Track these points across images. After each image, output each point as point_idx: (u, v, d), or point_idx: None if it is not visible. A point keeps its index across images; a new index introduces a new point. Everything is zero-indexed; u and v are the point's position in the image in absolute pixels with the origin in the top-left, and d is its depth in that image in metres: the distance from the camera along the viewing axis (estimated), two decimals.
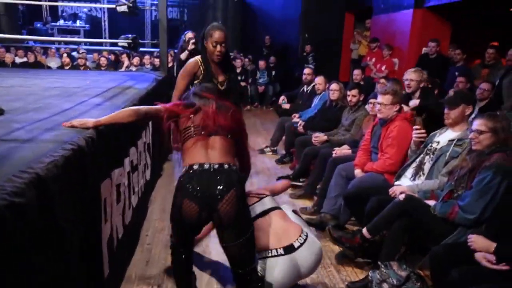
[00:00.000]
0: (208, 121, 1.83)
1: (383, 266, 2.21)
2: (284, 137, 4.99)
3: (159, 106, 1.88)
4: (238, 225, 1.78)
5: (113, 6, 4.34)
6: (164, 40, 4.65)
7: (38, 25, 11.79)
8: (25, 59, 7.79)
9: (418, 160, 2.70)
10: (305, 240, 1.95)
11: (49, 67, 7.70)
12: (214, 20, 11.54)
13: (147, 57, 7.21)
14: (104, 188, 1.93)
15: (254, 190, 2.19)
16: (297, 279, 1.99)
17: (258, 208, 2.04)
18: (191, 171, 1.76)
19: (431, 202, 2.36)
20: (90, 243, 1.65)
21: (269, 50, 9.67)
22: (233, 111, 1.94)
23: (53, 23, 12.00)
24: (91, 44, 9.15)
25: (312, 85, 5.06)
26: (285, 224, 2.01)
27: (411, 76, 3.46)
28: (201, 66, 2.73)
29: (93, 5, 9.81)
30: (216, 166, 1.76)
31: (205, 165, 1.76)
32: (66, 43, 10.90)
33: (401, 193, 2.47)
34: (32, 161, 1.27)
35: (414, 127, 2.74)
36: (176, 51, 5.87)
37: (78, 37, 11.67)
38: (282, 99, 5.51)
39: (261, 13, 11.00)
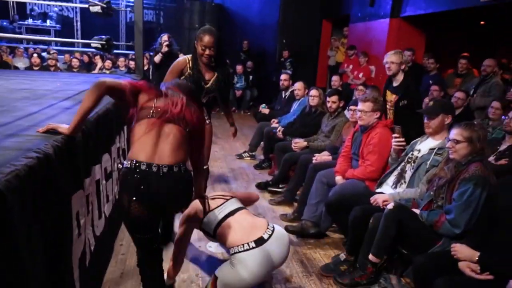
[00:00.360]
0: (172, 108, 1.74)
1: (382, 279, 2.16)
2: (262, 142, 4.91)
3: (123, 81, 1.76)
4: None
5: (86, 5, 4.16)
6: (139, 42, 4.49)
7: (4, 23, 11.25)
8: None
9: (399, 168, 2.68)
10: (272, 231, 2.01)
11: (16, 68, 7.34)
12: (190, 24, 11.39)
13: (121, 59, 7.00)
14: (76, 200, 1.78)
15: (219, 192, 2.28)
16: (270, 269, 2.04)
17: (226, 208, 2.11)
18: (137, 170, 1.64)
19: (417, 211, 2.34)
20: (58, 266, 1.50)
21: (247, 55, 9.61)
22: (198, 111, 1.85)
23: (21, 22, 11.50)
24: (63, 44, 8.81)
25: (290, 90, 5.02)
26: (252, 219, 2.09)
27: (391, 58, 3.32)
28: (188, 65, 2.74)
29: (64, 4, 9.45)
30: (165, 170, 1.66)
31: (153, 167, 1.64)
32: (36, 42, 10.49)
33: (383, 201, 2.43)
34: None
35: (393, 135, 2.72)
36: (151, 53, 5.72)
37: (49, 37, 11.23)
38: (262, 107, 5.51)
39: (238, 17, 10.93)
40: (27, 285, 1.17)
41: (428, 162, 2.47)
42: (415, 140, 2.72)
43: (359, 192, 2.80)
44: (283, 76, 5.28)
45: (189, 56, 2.77)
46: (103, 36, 4.11)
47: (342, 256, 2.61)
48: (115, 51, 9.22)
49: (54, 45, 9.88)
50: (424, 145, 2.59)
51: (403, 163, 2.67)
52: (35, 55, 6.56)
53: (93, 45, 4.06)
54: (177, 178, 1.69)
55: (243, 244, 1.93)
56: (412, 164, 2.59)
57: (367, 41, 6.89)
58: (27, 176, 1.21)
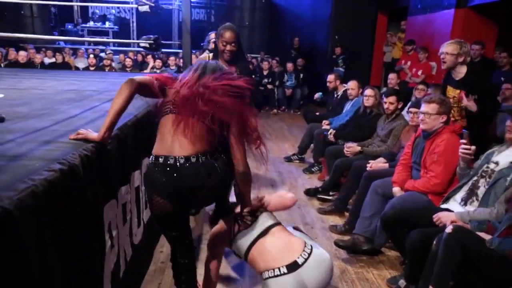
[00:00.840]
0: (181, 90, 1.64)
1: None
2: (312, 145, 4.65)
3: (149, 77, 1.70)
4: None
5: (136, 5, 4.14)
6: (187, 41, 4.40)
7: (69, 26, 11.90)
8: (53, 60, 7.79)
9: (471, 182, 2.30)
10: (309, 254, 1.74)
11: (77, 68, 7.67)
12: (241, 21, 11.34)
13: (172, 58, 7.04)
14: (108, 211, 1.67)
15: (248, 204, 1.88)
16: None
17: (256, 229, 1.84)
18: (156, 164, 1.62)
19: (485, 236, 1.98)
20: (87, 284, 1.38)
21: (297, 52, 9.34)
22: (226, 87, 1.63)
23: (83, 25, 12.11)
24: (117, 45, 9.09)
25: (342, 90, 4.70)
26: (287, 239, 1.83)
27: (446, 48, 2.93)
28: None
29: (121, 5, 9.77)
30: (182, 161, 1.60)
31: (170, 159, 1.61)
32: (96, 43, 10.96)
33: (452, 222, 2.09)
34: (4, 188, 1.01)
35: (461, 141, 2.33)
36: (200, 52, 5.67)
37: (107, 38, 11.71)
38: (318, 95, 5.19)
39: (289, 14, 10.68)
40: None
41: (509, 179, 2.08)
42: (491, 150, 2.33)
43: (420, 207, 2.46)
44: (329, 77, 4.97)
45: (210, 55, 2.84)
46: (151, 36, 4.05)
47: (402, 283, 2.29)
48: (166, 50, 9.42)
49: (112, 46, 10.28)
50: (504, 157, 2.20)
51: (475, 177, 2.29)
52: (91, 56, 6.79)
53: (141, 44, 4.03)
54: (196, 166, 1.62)
55: (273, 269, 1.72)
56: (487, 179, 2.20)
57: (428, 35, 6.35)
58: (45, 193, 1.08)
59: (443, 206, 2.41)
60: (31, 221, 1.01)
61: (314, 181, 4.15)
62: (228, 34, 2.65)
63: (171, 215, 1.68)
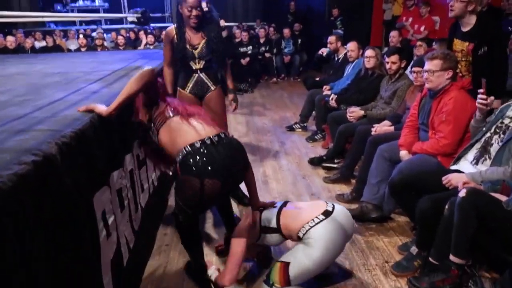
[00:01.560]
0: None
1: (471, 283, 1.76)
2: (314, 112, 4.50)
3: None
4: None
5: None
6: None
7: (58, 7, 11.54)
8: (44, 44, 7.56)
9: (483, 139, 2.15)
10: (333, 206, 1.97)
11: (69, 50, 7.44)
12: None
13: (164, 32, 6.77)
14: (100, 198, 1.57)
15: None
16: (345, 239, 1.96)
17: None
18: (195, 151, 1.70)
19: (501, 197, 1.85)
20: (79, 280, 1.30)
21: (294, 17, 8.98)
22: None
23: (72, 4, 11.72)
24: (109, 23, 8.80)
25: (344, 53, 4.49)
26: (308, 203, 2.17)
27: None
28: (175, 34, 2.69)
29: None
30: (216, 138, 1.75)
31: (206, 140, 1.73)
32: (88, 23, 10.64)
33: (464, 183, 1.97)
34: None
35: (479, 90, 2.16)
36: None
37: (98, 15, 11.34)
38: (325, 50, 5.04)
39: None
40: None
41: None
42: (506, 104, 2.16)
43: (429, 170, 2.34)
44: (330, 39, 4.76)
45: (175, 25, 2.71)
46: (138, 9, 3.85)
47: (414, 249, 2.19)
48: (158, 24, 9.09)
49: (104, 25, 9.95)
50: None
51: (488, 133, 2.14)
52: (81, 36, 6.58)
53: (129, 19, 3.84)
54: (228, 141, 1.80)
55: (311, 220, 1.86)
56: (502, 135, 2.06)
57: None
58: (14, 189, 0.97)
59: (454, 167, 2.29)
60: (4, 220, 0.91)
61: (318, 149, 4.03)
62: None
63: (220, 191, 1.74)
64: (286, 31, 7.86)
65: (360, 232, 2.55)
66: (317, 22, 8.92)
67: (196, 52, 2.69)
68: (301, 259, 1.84)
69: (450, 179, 2.08)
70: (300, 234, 1.87)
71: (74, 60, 3.91)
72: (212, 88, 2.81)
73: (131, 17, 3.77)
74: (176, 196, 1.82)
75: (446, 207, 1.91)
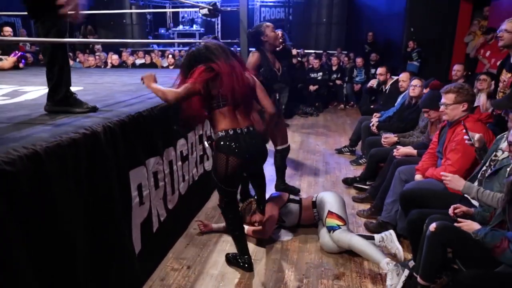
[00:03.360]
0: (238, 89, 2.21)
1: None
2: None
3: (189, 84, 2.15)
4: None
5: (197, 8, 4.67)
6: (244, 40, 4.82)
7: (162, 31, 13.32)
8: (143, 61, 8.90)
9: (480, 172, 2.26)
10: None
11: (163, 67, 8.66)
12: (318, 18, 11.47)
13: None
14: (136, 174, 2.14)
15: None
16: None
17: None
18: (228, 136, 2.21)
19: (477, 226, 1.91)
20: (116, 224, 1.87)
21: (372, 47, 9.19)
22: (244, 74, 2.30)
23: (174, 29, 13.43)
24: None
25: (390, 83, 4.69)
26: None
27: (506, 26, 2.71)
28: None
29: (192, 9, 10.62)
30: (246, 130, 2.26)
31: (238, 130, 2.23)
32: (179, 45, 12.10)
33: (461, 203, 2.10)
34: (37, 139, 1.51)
35: (463, 131, 2.32)
36: None
37: (194, 40, 12.84)
38: (374, 81, 5.26)
39: (366, 8, 10.50)
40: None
41: (508, 169, 2.02)
42: (500, 136, 2.25)
43: (435, 189, 2.50)
44: (380, 70, 4.95)
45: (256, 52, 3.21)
46: (210, 35, 4.55)
47: (411, 263, 2.38)
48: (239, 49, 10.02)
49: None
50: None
51: (484, 167, 2.25)
52: (170, 56, 7.64)
53: (202, 12, 4.50)
54: (253, 134, 2.30)
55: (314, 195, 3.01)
56: (493, 167, 2.16)
57: None
58: (69, 147, 1.56)
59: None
60: (57, 167, 1.49)
61: (359, 172, 4.23)
62: (271, 25, 3.20)
63: (240, 171, 2.30)
64: (359, 60, 8.12)
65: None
66: (395, 53, 8.99)
67: (277, 73, 3.25)
68: (330, 200, 2.78)
69: (450, 179, 2.15)
70: (314, 199, 2.91)
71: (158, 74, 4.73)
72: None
73: (204, 9, 4.44)
74: (212, 172, 2.35)
75: (425, 223, 2.09)
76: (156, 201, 2.46)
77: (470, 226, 1.90)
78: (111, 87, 3.48)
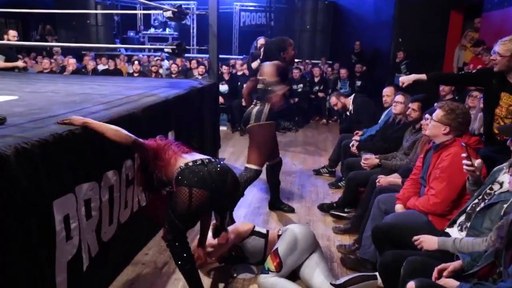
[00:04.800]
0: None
1: None
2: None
3: (147, 144, 2.24)
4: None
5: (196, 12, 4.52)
6: (213, 46, 4.68)
7: (131, 34, 13.13)
8: (106, 66, 8.66)
9: (471, 205, 2.13)
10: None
11: (129, 74, 8.44)
12: (302, 25, 11.51)
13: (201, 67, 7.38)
14: (62, 204, 1.93)
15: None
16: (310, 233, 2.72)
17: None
18: (187, 168, 2.16)
19: None
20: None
21: (358, 58, 9.22)
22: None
23: (144, 32, 13.25)
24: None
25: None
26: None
27: (498, 48, 2.66)
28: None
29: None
30: (207, 161, 2.23)
31: (198, 161, 2.20)
32: (146, 49, 11.93)
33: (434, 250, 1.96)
34: None
35: (462, 155, 2.16)
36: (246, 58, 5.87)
37: (166, 44, 12.67)
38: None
39: (352, 16, 10.60)
40: None
41: (505, 205, 1.87)
42: (498, 167, 2.12)
43: (414, 226, 2.35)
44: (385, 91, 4.53)
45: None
46: (175, 42, 4.40)
47: None
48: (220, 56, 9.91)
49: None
50: (509, 178, 1.93)
51: (476, 200, 2.11)
52: (136, 62, 7.45)
53: (165, 50, 4.40)
54: (217, 163, 2.28)
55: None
56: (487, 201, 2.02)
57: (506, 35, 5.88)
58: None
59: (447, 230, 2.28)
60: None
61: (337, 197, 4.09)
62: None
63: (207, 204, 2.19)
64: (343, 72, 8.10)
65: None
66: (383, 64, 9.03)
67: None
68: (285, 238, 2.58)
69: (422, 241, 2.09)
70: (280, 232, 2.72)
71: (109, 83, 4.53)
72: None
73: (167, 48, 4.33)
74: (168, 208, 2.19)
75: (403, 266, 1.94)
76: (88, 233, 2.24)
77: (450, 283, 1.74)
78: (52, 97, 3.25)
